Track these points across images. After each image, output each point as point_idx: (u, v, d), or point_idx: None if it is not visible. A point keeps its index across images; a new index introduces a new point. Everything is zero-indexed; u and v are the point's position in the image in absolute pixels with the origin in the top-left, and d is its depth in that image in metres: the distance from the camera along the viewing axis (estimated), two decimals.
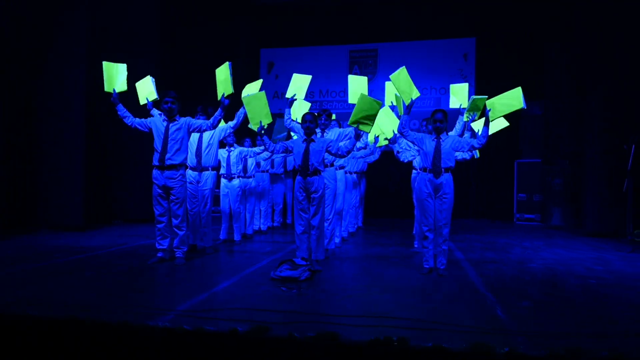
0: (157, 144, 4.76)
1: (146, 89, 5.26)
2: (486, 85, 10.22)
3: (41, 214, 7.42)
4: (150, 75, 5.33)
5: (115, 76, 5.05)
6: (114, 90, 4.99)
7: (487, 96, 4.72)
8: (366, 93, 5.18)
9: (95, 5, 7.65)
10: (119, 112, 4.98)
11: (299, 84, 5.66)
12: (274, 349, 2.56)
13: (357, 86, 5.52)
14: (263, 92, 5.02)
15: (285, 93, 11.01)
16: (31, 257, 4.99)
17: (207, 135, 5.51)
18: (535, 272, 4.60)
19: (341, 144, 4.79)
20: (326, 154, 4.66)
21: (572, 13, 8.72)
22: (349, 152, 4.60)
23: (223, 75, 5.03)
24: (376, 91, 10.84)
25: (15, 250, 5.53)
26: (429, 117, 6.47)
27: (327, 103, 11.02)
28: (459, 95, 5.33)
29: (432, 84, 10.65)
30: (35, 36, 7.31)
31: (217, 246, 5.91)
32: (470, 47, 10.49)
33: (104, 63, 5.06)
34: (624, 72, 7.36)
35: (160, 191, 4.74)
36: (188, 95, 10.32)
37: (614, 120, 7.43)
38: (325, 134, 5.42)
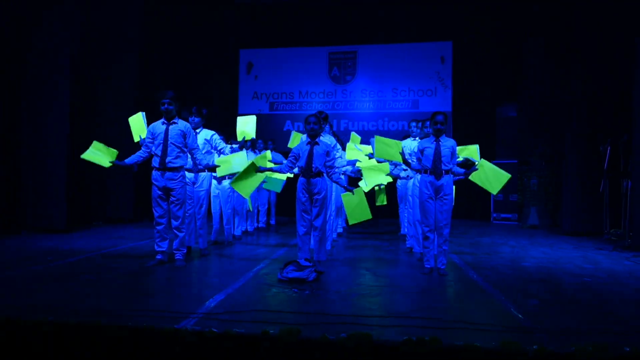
0: (157, 147, 4.63)
1: (138, 125, 5.21)
2: (462, 88, 10.52)
3: (21, 216, 7.12)
4: (142, 112, 5.29)
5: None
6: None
7: (510, 175, 4.83)
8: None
9: (77, 6, 7.40)
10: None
11: (244, 126, 5.90)
12: (308, 351, 2.56)
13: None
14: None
15: (265, 93, 11.10)
16: (23, 261, 4.79)
17: (201, 136, 5.43)
18: (530, 270, 4.76)
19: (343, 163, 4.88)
20: None
21: (547, 16, 9.07)
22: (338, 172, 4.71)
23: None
24: (355, 92, 10.96)
25: (3, 253, 5.31)
26: (418, 118, 6.65)
27: (307, 104, 11.04)
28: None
29: (410, 86, 10.84)
30: (16, 37, 7.03)
31: (210, 248, 5.83)
32: (447, 50, 10.74)
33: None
34: (600, 75, 7.71)
35: (160, 193, 4.63)
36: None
37: (591, 123, 7.78)
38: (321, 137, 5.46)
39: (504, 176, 4.48)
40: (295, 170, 4.77)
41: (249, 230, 7.54)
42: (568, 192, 7.94)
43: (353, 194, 4.73)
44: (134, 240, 6.44)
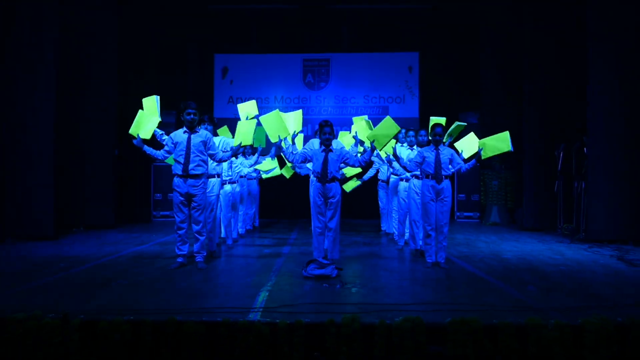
0: (179, 155, 4.89)
1: (150, 108, 5.26)
2: (429, 96, 11.31)
3: (6, 223, 6.99)
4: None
5: (144, 124, 5.10)
6: (138, 135, 5.06)
7: (465, 124, 5.54)
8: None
9: (53, 11, 7.35)
10: (147, 153, 5.03)
11: (246, 110, 6.26)
12: (370, 334, 3.01)
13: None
14: (277, 110, 5.36)
15: (240, 98, 11.35)
16: (36, 269, 4.87)
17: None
18: (513, 262, 5.46)
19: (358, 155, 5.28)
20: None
21: (504, 28, 10.00)
22: (366, 162, 5.10)
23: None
24: (328, 98, 11.46)
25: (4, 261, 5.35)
26: (411, 127, 7.25)
27: (283, 109, 11.28)
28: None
29: (381, 93, 11.47)
30: None
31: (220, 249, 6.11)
32: (414, 60, 11.47)
33: (139, 112, 5.18)
34: (555, 84, 8.62)
35: (182, 199, 4.89)
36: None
37: (546, 130, 8.71)
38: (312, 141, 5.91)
39: (504, 135, 5.11)
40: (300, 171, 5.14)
41: (240, 232, 7.82)
42: (527, 192, 8.84)
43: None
44: (131, 245, 6.57)
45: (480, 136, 5.52)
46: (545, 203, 8.67)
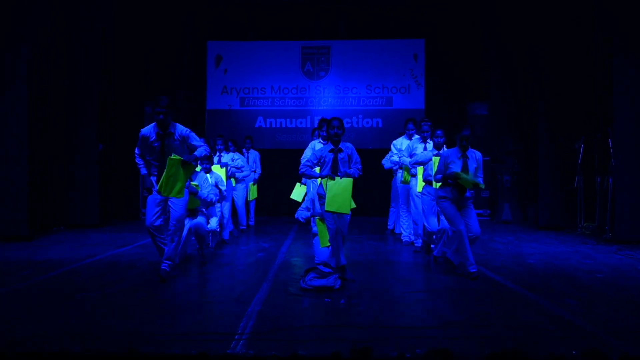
0: (153, 157, 4.27)
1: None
2: (435, 86, 10.64)
3: None
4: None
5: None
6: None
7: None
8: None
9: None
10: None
11: None
12: None
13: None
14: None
15: (235, 88, 10.67)
16: None
17: None
18: (540, 267, 4.81)
19: None
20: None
21: (515, 16, 9.32)
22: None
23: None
24: (328, 88, 10.78)
25: None
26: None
27: (279, 99, 10.73)
28: None
29: (384, 83, 10.78)
30: None
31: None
32: (419, 48, 10.77)
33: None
34: (568, 74, 7.98)
35: (159, 200, 4.21)
36: (133, 89, 9.56)
37: (563, 121, 8.07)
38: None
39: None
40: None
41: (234, 234, 7.19)
42: (543, 188, 8.20)
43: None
44: (112, 247, 5.92)
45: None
46: (562, 199, 8.05)
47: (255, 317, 3.07)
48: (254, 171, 7.90)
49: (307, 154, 5.24)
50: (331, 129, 4.28)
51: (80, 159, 8.06)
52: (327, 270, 3.99)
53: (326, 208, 4.14)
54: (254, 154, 8.09)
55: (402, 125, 6.98)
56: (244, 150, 7.93)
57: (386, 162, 6.80)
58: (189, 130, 4.37)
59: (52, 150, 7.64)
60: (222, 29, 10.79)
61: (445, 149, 5.20)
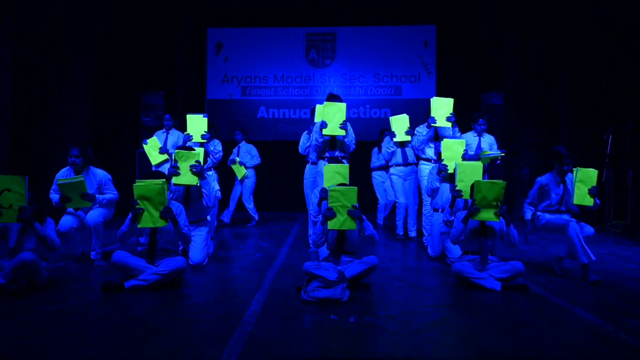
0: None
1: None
2: (447, 75, 9.97)
3: None
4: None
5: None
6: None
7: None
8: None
9: None
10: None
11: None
12: None
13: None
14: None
15: (236, 77, 10.06)
16: None
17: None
18: (578, 274, 4.17)
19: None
20: None
21: (532, 3, 8.65)
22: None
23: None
24: (334, 77, 10.14)
25: None
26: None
27: (283, 89, 10.11)
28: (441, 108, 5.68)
29: (393, 72, 10.14)
30: None
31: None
32: (430, 34, 10.12)
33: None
34: (594, 58, 7.34)
35: None
36: (129, 80, 8.95)
37: (587, 109, 7.43)
38: None
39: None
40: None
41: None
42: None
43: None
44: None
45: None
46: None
47: (245, 342, 2.46)
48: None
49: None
50: None
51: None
52: (333, 278, 3.38)
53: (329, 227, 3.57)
54: (246, 147, 7.47)
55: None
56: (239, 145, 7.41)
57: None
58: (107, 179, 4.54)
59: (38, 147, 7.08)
60: (222, 15, 10.18)
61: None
